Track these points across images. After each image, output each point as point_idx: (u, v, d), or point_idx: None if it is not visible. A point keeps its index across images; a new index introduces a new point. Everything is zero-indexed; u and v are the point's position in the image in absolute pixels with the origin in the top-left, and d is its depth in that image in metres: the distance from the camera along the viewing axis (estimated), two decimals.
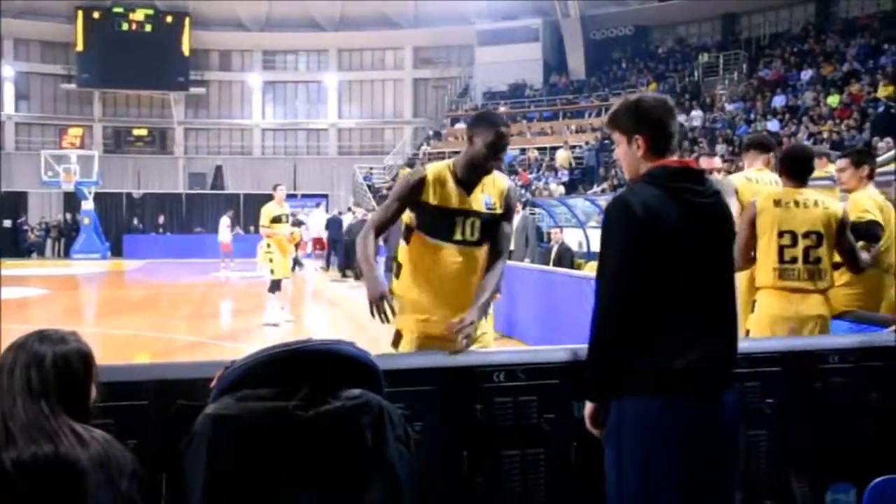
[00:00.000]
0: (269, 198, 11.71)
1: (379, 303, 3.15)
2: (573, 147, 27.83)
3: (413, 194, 3.39)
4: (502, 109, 33.06)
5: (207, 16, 36.13)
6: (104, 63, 34.63)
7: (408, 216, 3.45)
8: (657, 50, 32.81)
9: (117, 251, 29.13)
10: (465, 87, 36.30)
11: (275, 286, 11.49)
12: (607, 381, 2.39)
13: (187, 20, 35.99)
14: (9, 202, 29.67)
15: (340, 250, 21.60)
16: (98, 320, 13.63)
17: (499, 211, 3.46)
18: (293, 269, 12.02)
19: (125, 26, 35.46)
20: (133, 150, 37.10)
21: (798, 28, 28.67)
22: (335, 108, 38.52)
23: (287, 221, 11.64)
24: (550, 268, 10.84)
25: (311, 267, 22.48)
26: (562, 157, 27.12)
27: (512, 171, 28.70)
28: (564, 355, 2.86)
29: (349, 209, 22.82)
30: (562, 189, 24.16)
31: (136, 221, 31.42)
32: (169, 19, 35.87)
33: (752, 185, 4.76)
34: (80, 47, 34.94)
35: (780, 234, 4.17)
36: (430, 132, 34.80)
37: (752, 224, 4.27)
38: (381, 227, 3.45)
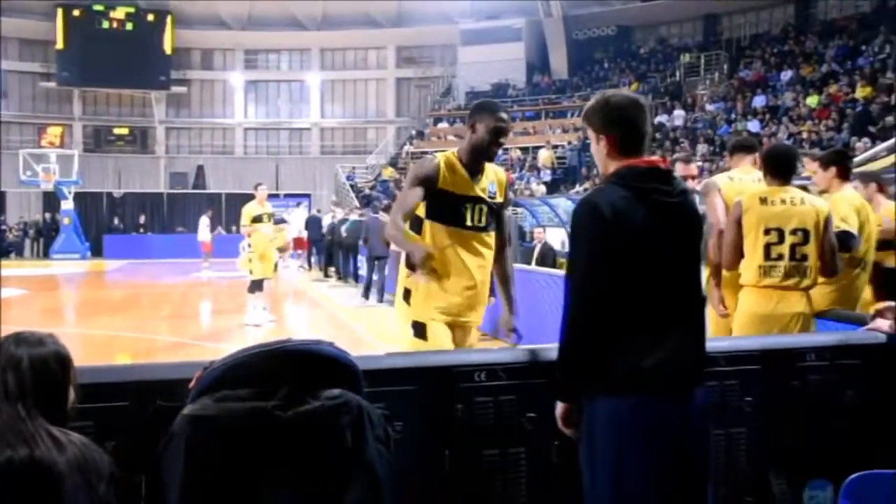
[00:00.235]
0: (251, 197, 11.66)
1: (429, 261, 3.22)
2: (555, 147, 27.91)
3: (430, 180, 3.46)
4: None
5: (189, 14, 35.93)
6: (84, 61, 34.36)
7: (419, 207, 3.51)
8: (639, 50, 32.99)
9: (97, 251, 28.91)
10: (447, 87, 36.31)
11: (255, 286, 11.43)
12: (578, 382, 2.41)
13: (169, 18, 35.78)
14: None
15: (322, 250, 21.55)
16: (78, 321, 13.53)
17: (500, 199, 3.63)
18: (275, 269, 11.93)
19: (106, 24, 35.20)
20: (114, 149, 36.83)
21: (778, 29, 28.91)
22: (318, 108, 38.43)
23: (269, 221, 11.54)
24: (533, 267, 10.86)
25: (293, 266, 22.41)
26: (544, 156, 27.20)
27: None
28: (545, 355, 2.87)
29: (331, 210, 22.73)
30: (543, 188, 24.22)
31: (116, 221, 31.21)
32: (150, 17, 35.65)
33: (734, 184, 4.80)
34: (60, 45, 34.66)
35: (767, 232, 4.21)
36: (413, 132, 34.78)
37: (739, 222, 4.31)
38: (409, 212, 3.47)
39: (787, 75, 24.24)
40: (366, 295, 15.18)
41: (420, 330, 3.52)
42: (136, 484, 2.30)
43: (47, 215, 30.56)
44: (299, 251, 23.05)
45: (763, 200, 4.26)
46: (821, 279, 4.49)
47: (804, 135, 19.94)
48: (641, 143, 2.49)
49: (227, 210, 29.01)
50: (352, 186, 30.97)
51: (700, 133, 23.90)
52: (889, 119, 17.91)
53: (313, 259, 22.95)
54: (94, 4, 34.92)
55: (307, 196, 31.07)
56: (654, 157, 2.51)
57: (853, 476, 2.18)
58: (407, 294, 3.57)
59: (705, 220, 4.44)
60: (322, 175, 35.33)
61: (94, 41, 34.38)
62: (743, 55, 28.25)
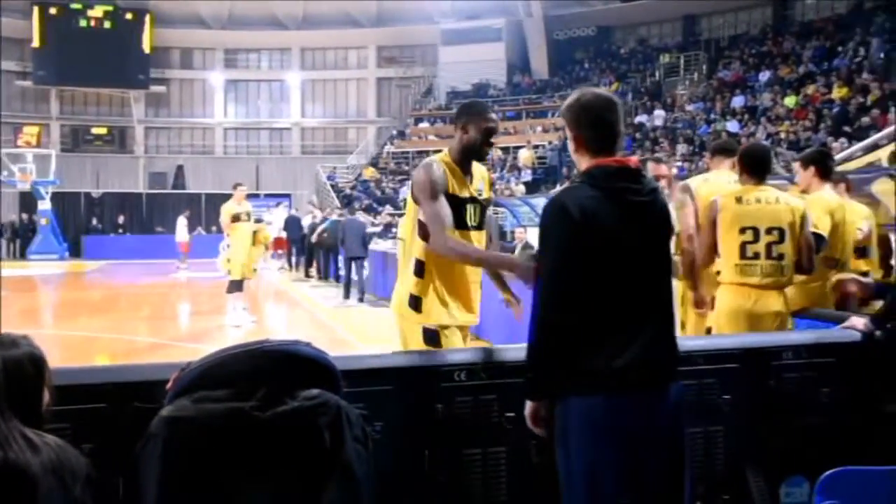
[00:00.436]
0: (231, 197, 11.58)
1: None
2: (536, 147, 27.98)
3: (444, 186, 3.45)
4: None
5: (168, 13, 35.66)
6: (62, 60, 34.00)
7: (421, 213, 3.48)
8: (619, 50, 33.13)
9: (76, 252, 28.64)
10: (428, 87, 36.29)
11: (233, 286, 11.36)
12: (547, 381, 2.42)
13: (148, 17, 35.48)
14: None
15: (302, 250, 21.49)
16: (56, 323, 13.41)
17: (486, 196, 3.67)
18: (254, 269, 11.85)
19: (84, 23, 34.84)
20: (92, 148, 36.48)
21: (756, 30, 29.14)
22: (298, 107, 38.29)
23: (248, 220, 11.43)
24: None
25: (274, 267, 22.33)
26: (525, 156, 27.26)
27: None
28: (525, 354, 2.88)
29: (310, 211, 22.66)
30: (522, 188, 24.29)
31: (95, 221, 30.92)
32: (129, 16, 35.32)
33: (709, 185, 4.85)
34: (36, 43, 34.26)
35: (742, 230, 4.24)
36: (394, 131, 34.75)
37: (714, 221, 4.34)
38: (450, 226, 3.43)
39: (765, 76, 24.44)
40: (346, 295, 15.16)
41: (433, 337, 3.47)
42: (115, 486, 2.28)
43: (24, 216, 30.23)
44: (280, 251, 22.97)
45: (738, 199, 4.30)
46: (799, 278, 4.54)
47: (782, 135, 20.12)
48: (612, 142, 2.49)
49: (207, 210, 28.82)
50: (332, 186, 30.89)
51: (680, 133, 24.05)
52: (865, 119, 18.10)
53: (293, 259, 22.86)
54: (72, 3, 34.55)
55: (288, 196, 30.94)
56: (625, 156, 2.51)
57: (828, 473, 2.20)
58: (416, 301, 3.50)
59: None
60: (303, 175, 35.18)
61: (72, 39, 34.03)
62: (722, 56, 28.46)
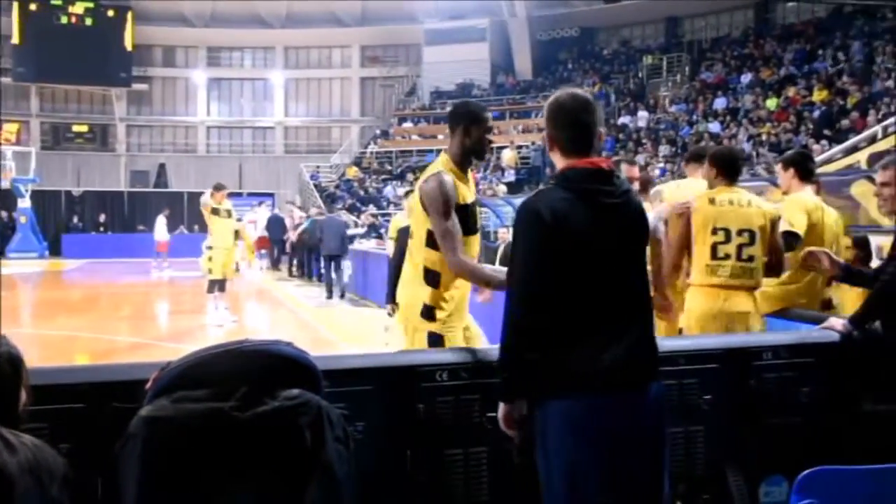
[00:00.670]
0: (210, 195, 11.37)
1: None
2: (519, 147, 28.03)
3: (454, 199, 3.44)
4: (449, 109, 33.14)
5: (150, 10, 35.40)
6: (42, 57, 33.67)
7: (430, 224, 3.45)
8: (602, 51, 33.27)
9: (56, 250, 28.35)
10: (412, 87, 36.28)
11: (213, 286, 11.27)
12: (519, 383, 2.42)
13: (129, 14, 35.22)
14: None
15: (284, 249, 21.45)
16: (35, 322, 13.27)
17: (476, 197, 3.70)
18: (236, 269, 11.77)
19: (64, 19, 34.52)
20: (73, 146, 36.19)
21: (738, 32, 29.35)
22: (282, 106, 38.15)
23: (229, 217, 11.29)
24: (497, 267, 10.90)
25: (256, 266, 22.24)
26: (508, 156, 27.30)
27: None
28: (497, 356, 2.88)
29: (290, 211, 22.63)
30: (504, 188, 24.34)
31: (75, 220, 30.63)
32: (111, 13, 35.04)
33: (680, 190, 4.92)
34: (16, 40, 33.91)
35: (714, 231, 4.27)
36: (378, 131, 34.71)
37: (689, 223, 4.37)
38: (462, 245, 3.42)
39: (746, 78, 24.61)
40: (329, 295, 15.13)
41: (438, 342, 3.48)
42: (93, 486, 2.27)
43: (3, 214, 29.87)
44: (263, 250, 22.89)
45: (711, 201, 4.34)
46: (780, 278, 4.58)
47: (763, 137, 20.28)
48: (587, 143, 2.48)
49: (190, 209, 28.65)
50: (316, 186, 30.80)
51: (663, 134, 24.17)
52: (845, 122, 18.27)
53: (276, 258, 22.79)
54: None
55: (271, 195, 30.80)
56: (598, 158, 2.50)
57: (805, 472, 2.22)
58: (429, 311, 3.48)
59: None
60: (286, 174, 35.07)
61: (52, 36, 33.71)
62: (704, 58, 28.64)
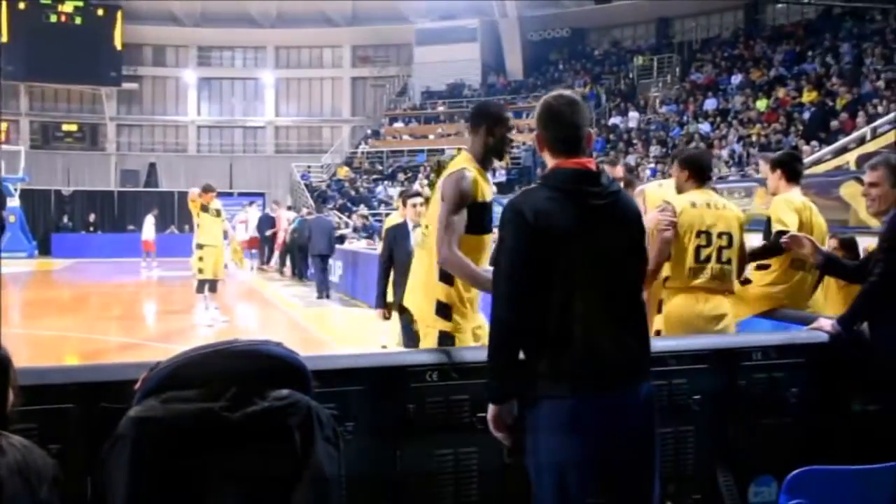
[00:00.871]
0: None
1: None
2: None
3: (471, 198, 3.48)
4: (441, 109, 33.16)
5: (140, 9, 35.23)
6: (31, 55, 33.46)
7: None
8: (593, 52, 33.31)
9: (45, 250, 28.23)
10: (403, 87, 36.25)
11: (202, 286, 11.21)
12: (507, 383, 2.42)
13: (119, 13, 35.06)
14: None
15: (274, 249, 21.44)
16: (24, 322, 13.20)
17: None
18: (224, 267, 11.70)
19: (53, 18, 34.33)
20: (62, 145, 36.02)
21: (728, 34, 29.43)
22: (272, 106, 38.05)
23: (218, 216, 11.23)
24: (488, 268, 10.91)
25: (247, 266, 22.19)
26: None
27: None
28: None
29: (275, 210, 22.61)
30: (495, 188, 24.34)
31: (65, 219, 30.51)
32: (100, 12, 34.87)
33: (662, 190, 4.94)
34: (4, 38, 33.66)
35: (697, 234, 4.29)
36: (369, 131, 34.67)
37: (674, 225, 4.38)
38: (459, 235, 3.43)
39: (736, 79, 24.68)
40: (319, 294, 15.12)
41: (450, 342, 3.48)
42: (83, 487, 2.26)
43: None
44: (253, 250, 22.86)
45: (693, 204, 4.35)
46: (768, 279, 4.60)
47: (753, 138, 20.34)
48: (574, 144, 2.50)
49: (180, 209, 28.55)
50: (306, 185, 30.75)
51: (653, 135, 24.22)
52: (834, 123, 18.35)
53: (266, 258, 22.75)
54: None
55: (261, 195, 30.74)
56: (585, 159, 2.51)
57: (794, 472, 2.23)
58: (446, 309, 3.48)
59: None
60: (277, 174, 34.99)
61: (41, 35, 33.51)
62: (694, 58, 28.72)
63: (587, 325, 2.38)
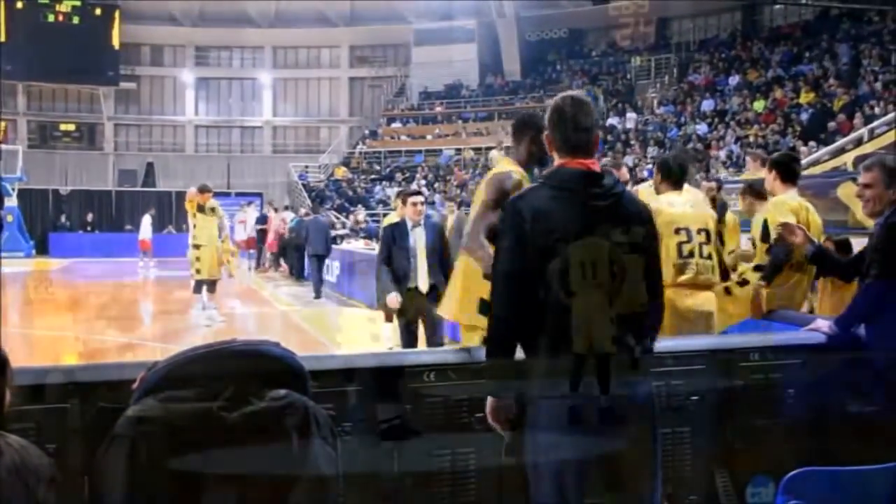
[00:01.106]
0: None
1: None
2: (507, 148, 28.03)
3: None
4: (438, 109, 33.18)
5: (138, 9, 35.21)
6: (29, 55, 33.39)
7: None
8: (591, 53, 33.31)
9: (42, 249, 28.17)
10: (401, 87, 36.23)
11: (199, 286, 11.19)
12: (505, 380, 2.44)
13: (117, 13, 35.01)
14: None
15: (278, 250, 21.42)
16: (22, 322, 13.18)
17: None
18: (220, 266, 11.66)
19: (51, 17, 34.25)
20: (60, 145, 35.94)
21: (726, 34, 29.46)
22: (270, 106, 38.00)
23: (213, 215, 11.20)
24: None
25: (244, 266, 22.18)
26: (496, 157, 27.32)
27: (447, 171, 28.79)
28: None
29: (271, 210, 22.60)
30: None
31: (62, 219, 30.46)
32: (98, 12, 34.80)
33: (651, 190, 5.01)
34: (2, 37, 33.61)
35: (678, 231, 4.35)
36: (366, 131, 34.67)
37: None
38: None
39: (734, 80, 24.72)
40: (316, 294, 15.12)
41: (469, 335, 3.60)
42: (80, 486, 2.25)
43: None
44: (251, 250, 22.84)
45: (671, 203, 4.44)
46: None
47: (751, 138, 20.37)
48: (578, 144, 2.51)
49: (178, 209, 28.50)
50: (304, 186, 30.74)
51: (650, 136, 24.25)
52: (831, 124, 18.38)
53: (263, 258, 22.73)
54: None
55: (259, 195, 30.70)
56: (587, 159, 2.52)
57: (792, 473, 2.23)
58: (488, 307, 3.54)
59: None
60: (274, 174, 34.92)
61: (39, 34, 33.43)
62: (692, 59, 28.74)
63: (587, 325, 2.38)
